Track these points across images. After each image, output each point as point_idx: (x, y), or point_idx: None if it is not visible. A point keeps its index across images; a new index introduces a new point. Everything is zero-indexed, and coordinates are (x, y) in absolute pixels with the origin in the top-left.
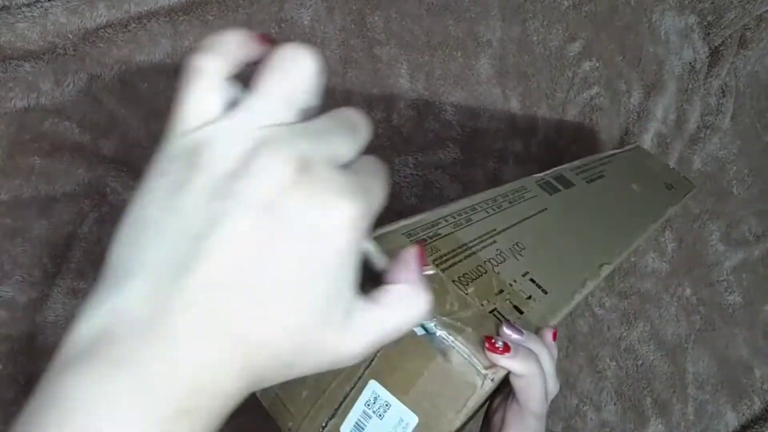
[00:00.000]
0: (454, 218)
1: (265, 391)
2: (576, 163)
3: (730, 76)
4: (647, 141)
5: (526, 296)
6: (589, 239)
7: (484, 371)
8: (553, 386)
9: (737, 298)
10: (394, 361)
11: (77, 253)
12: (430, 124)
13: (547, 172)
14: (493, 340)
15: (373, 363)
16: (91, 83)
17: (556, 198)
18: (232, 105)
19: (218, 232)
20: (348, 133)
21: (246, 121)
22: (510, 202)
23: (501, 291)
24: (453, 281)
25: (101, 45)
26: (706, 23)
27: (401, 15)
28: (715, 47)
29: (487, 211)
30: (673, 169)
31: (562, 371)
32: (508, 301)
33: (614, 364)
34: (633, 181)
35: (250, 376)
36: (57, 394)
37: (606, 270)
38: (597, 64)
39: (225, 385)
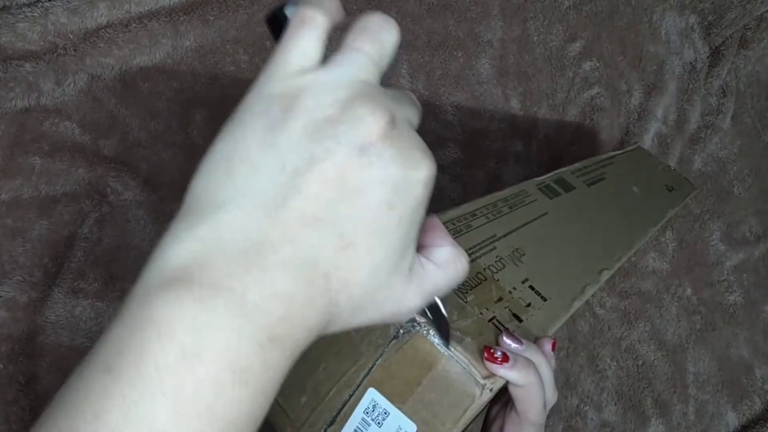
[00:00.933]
0: (454, 224)
1: None
2: (577, 165)
3: (730, 76)
4: (648, 141)
5: (525, 304)
6: (589, 244)
7: (482, 381)
8: (552, 395)
9: (738, 298)
10: (393, 370)
11: (78, 253)
12: (431, 125)
13: (548, 175)
14: (491, 351)
15: (372, 371)
16: (92, 83)
17: (556, 202)
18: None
19: (317, 169)
20: (415, 106)
21: (342, 74)
22: (510, 207)
23: (500, 299)
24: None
25: (102, 45)
26: (706, 23)
27: (402, 15)
28: (716, 47)
29: (487, 217)
30: (674, 170)
31: (562, 371)
32: (507, 309)
33: (615, 364)
34: (634, 183)
35: (327, 316)
36: (152, 314)
37: (606, 275)
38: (597, 64)
39: (310, 318)
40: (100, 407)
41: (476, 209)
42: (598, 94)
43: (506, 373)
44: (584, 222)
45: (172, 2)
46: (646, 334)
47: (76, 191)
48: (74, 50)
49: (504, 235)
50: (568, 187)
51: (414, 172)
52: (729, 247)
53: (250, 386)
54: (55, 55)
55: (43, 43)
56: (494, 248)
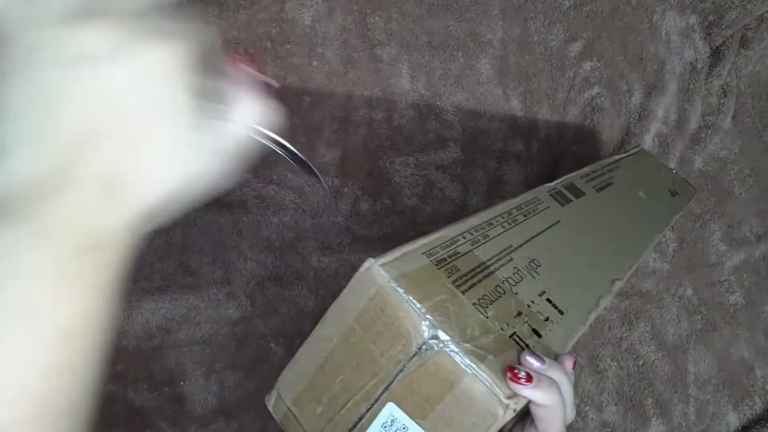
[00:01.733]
0: (472, 234)
1: (277, 405)
2: (586, 170)
3: (731, 76)
4: (648, 141)
5: (543, 318)
6: (601, 254)
7: (506, 401)
8: (571, 413)
9: (738, 299)
10: (414, 386)
11: None
12: (431, 125)
13: (559, 180)
14: (515, 371)
15: (392, 385)
16: None
17: (568, 209)
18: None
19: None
20: None
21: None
22: (524, 216)
23: (519, 313)
24: (473, 304)
25: None
26: (707, 23)
27: (402, 15)
28: (716, 47)
29: (503, 226)
30: (676, 173)
31: None
32: (527, 324)
33: (615, 364)
34: (640, 188)
35: (132, 216)
36: None
37: (618, 285)
38: (598, 64)
39: (115, 223)
40: None
41: (492, 218)
42: (598, 94)
43: (530, 393)
44: (596, 230)
45: (173, 3)
46: (647, 335)
47: None
48: None
49: (520, 245)
50: (578, 194)
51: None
52: (729, 248)
53: (79, 283)
54: None
55: None
56: (511, 260)
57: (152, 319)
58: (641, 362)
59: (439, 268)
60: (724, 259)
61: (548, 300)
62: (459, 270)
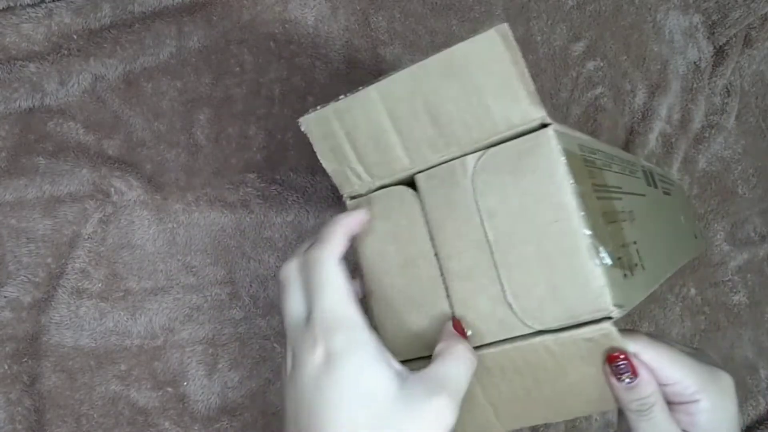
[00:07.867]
0: (604, 156)
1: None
2: (659, 169)
3: (734, 76)
4: (652, 141)
5: (634, 263)
6: (668, 242)
7: (611, 308)
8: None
9: (742, 298)
10: None
11: (81, 253)
12: None
13: (645, 163)
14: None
15: None
16: (96, 83)
17: (649, 190)
18: None
19: None
20: None
21: None
22: (630, 172)
23: (624, 245)
24: (601, 212)
25: (106, 45)
26: (710, 22)
27: (405, 15)
28: (720, 46)
29: (620, 167)
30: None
31: None
32: (626, 258)
33: None
34: (682, 213)
35: None
36: None
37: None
38: (601, 64)
39: None
40: None
41: (615, 155)
42: (601, 93)
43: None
44: (663, 221)
45: (176, 3)
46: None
47: (79, 191)
48: (78, 51)
49: (625, 193)
50: (654, 184)
51: None
52: (733, 247)
53: None
54: (59, 55)
55: (47, 43)
56: (621, 199)
57: (155, 319)
58: None
59: (585, 166)
60: (728, 259)
61: (637, 251)
62: (595, 178)
